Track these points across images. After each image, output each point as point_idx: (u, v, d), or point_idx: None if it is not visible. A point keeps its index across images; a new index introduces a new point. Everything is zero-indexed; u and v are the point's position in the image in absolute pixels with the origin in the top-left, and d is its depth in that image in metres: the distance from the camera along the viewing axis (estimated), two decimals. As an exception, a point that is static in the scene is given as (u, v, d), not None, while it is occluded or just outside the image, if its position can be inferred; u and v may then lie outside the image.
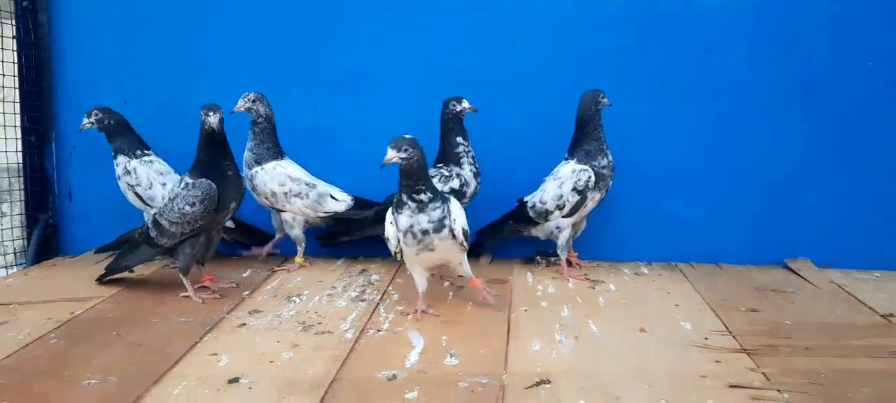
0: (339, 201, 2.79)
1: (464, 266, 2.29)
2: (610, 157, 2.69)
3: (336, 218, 2.83)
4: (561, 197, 2.67)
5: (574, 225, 2.75)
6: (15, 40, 2.99)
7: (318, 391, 1.72)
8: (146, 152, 2.80)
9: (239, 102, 2.72)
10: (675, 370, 1.85)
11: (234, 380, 1.77)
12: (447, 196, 2.20)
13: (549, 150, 2.83)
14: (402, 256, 2.23)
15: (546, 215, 2.72)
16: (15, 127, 3.00)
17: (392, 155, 2.08)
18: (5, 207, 3.03)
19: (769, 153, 2.88)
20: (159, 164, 2.80)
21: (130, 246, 2.50)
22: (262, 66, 3.03)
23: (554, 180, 2.71)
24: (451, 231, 2.14)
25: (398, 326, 2.17)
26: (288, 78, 3.03)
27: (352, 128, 3.01)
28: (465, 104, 2.73)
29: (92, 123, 2.74)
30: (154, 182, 2.75)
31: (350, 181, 2.87)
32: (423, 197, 2.12)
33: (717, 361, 1.90)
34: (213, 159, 2.34)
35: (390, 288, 2.56)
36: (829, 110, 2.85)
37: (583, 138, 2.69)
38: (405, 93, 2.99)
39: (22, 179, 3.05)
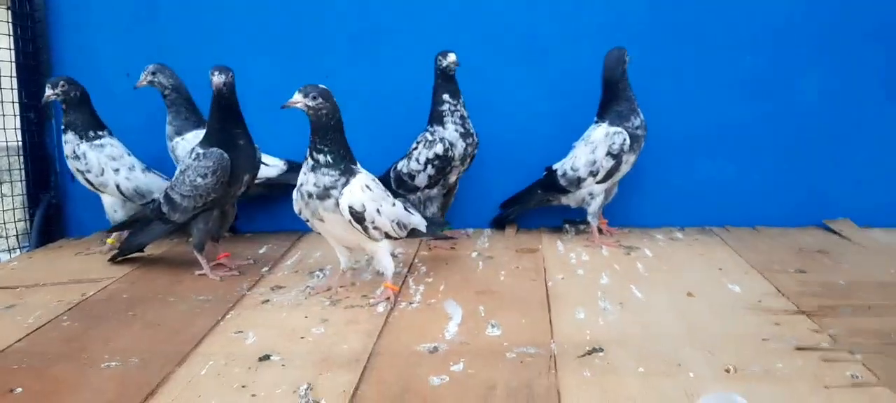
0: (270, 166, 2.64)
1: (377, 256, 2.07)
2: (642, 117, 2.55)
3: (270, 185, 2.69)
4: (594, 162, 2.55)
5: (606, 191, 2.63)
6: (10, 11, 2.83)
7: (357, 365, 1.60)
8: (99, 134, 2.60)
9: (140, 77, 2.60)
10: (734, 334, 1.74)
11: (265, 358, 1.65)
12: (356, 170, 1.99)
13: (576, 113, 2.70)
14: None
15: (578, 182, 2.59)
16: (13, 103, 2.85)
17: (298, 99, 1.91)
18: (6, 188, 2.88)
19: (804, 109, 2.76)
20: (112, 148, 2.60)
21: (142, 224, 2.37)
22: (270, 32, 2.89)
23: (586, 145, 2.58)
24: (337, 204, 1.95)
25: (431, 298, 2.05)
26: (298, 43, 2.88)
27: (363, 93, 2.86)
28: (451, 58, 2.49)
29: (57, 95, 2.51)
30: (105, 168, 2.56)
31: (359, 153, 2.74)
32: (320, 156, 1.95)
33: (777, 324, 1.78)
34: (224, 128, 2.19)
35: (416, 260, 2.44)
36: (867, 62, 2.72)
37: (612, 99, 2.56)
38: (421, 56, 2.83)
39: (22, 158, 2.90)
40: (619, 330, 1.77)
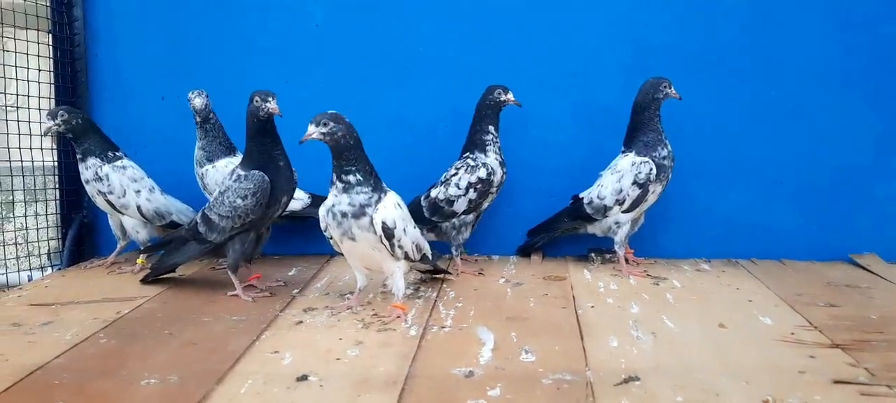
0: (295, 199, 2.60)
1: (394, 277, 2.12)
2: (669, 147, 2.58)
3: (293, 217, 2.71)
4: (620, 191, 2.57)
5: (633, 221, 2.64)
6: (51, 35, 2.90)
7: (394, 388, 1.62)
8: (117, 155, 2.64)
9: (192, 98, 2.62)
10: (770, 365, 1.74)
11: (303, 378, 1.67)
12: (386, 189, 2.08)
13: (602, 142, 2.74)
14: (338, 247, 2.13)
15: (604, 211, 2.61)
16: (50, 124, 2.91)
17: (312, 130, 2.00)
18: (40, 207, 2.93)
19: (830, 142, 2.78)
20: (133, 170, 2.65)
21: (177, 244, 2.40)
22: (303, 57, 2.95)
23: (612, 174, 2.61)
24: (372, 222, 2.02)
25: (462, 323, 2.06)
26: (327, 72, 2.93)
27: (394, 121, 2.91)
28: (510, 96, 2.61)
29: (58, 125, 2.53)
30: (127, 189, 2.60)
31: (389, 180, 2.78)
32: (350, 177, 2.02)
33: (811, 356, 1.78)
34: (265, 149, 2.23)
35: (444, 285, 2.45)
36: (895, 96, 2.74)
37: (639, 128, 2.58)
38: (452, 87, 2.89)
39: (56, 178, 2.95)
40: (654, 360, 1.78)
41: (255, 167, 2.21)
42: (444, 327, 2.03)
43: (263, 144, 2.22)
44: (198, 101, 2.63)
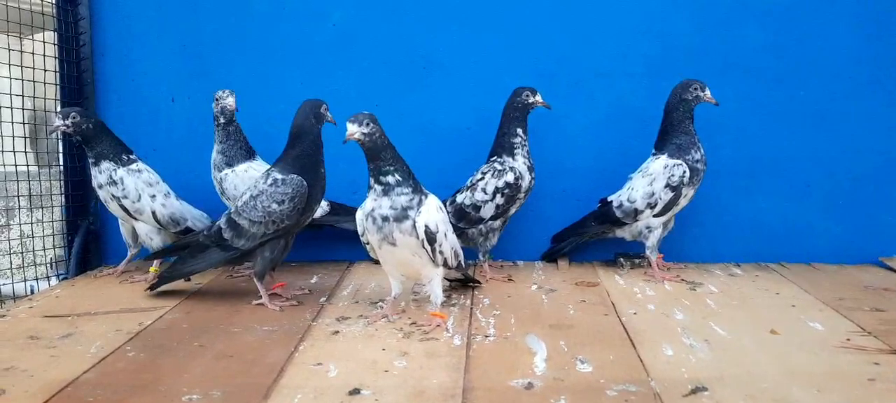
0: None
1: (432, 284, 2.04)
2: (702, 151, 2.53)
3: (310, 225, 2.59)
4: (652, 194, 2.51)
5: (664, 225, 2.59)
6: (56, 34, 2.78)
7: (454, 401, 1.53)
8: (131, 158, 2.53)
9: (223, 100, 2.52)
10: (836, 373, 1.68)
11: (355, 392, 1.58)
12: (426, 191, 2.01)
13: (630, 145, 2.70)
14: (375, 253, 2.07)
15: (635, 214, 2.55)
16: (56, 126, 2.78)
17: (354, 130, 1.93)
18: (46, 213, 2.79)
19: (860, 145, 2.76)
20: (148, 174, 2.54)
21: (194, 250, 2.28)
22: (319, 59, 2.86)
23: (643, 177, 2.55)
24: (414, 225, 1.94)
25: (506, 332, 1.98)
26: (343, 75, 2.85)
27: (415, 124, 2.83)
28: (539, 98, 2.55)
29: (67, 127, 2.41)
30: (142, 193, 2.50)
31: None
32: (389, 178, 1.95)
33: (876, 363, 1.73)
34: (313, 155, 2.13)
35: (477, 292, 2.38)
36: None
37: (671, 130, 2.54)
38: (475, 88, 2.82)
39: (62, 183, 2.82)
40: (716, 368, 1.71)
41: (298, 171, 2.11)
42: (487, 336, 1.95)
43: (314, 147, 2.13)
44: (230, 101, 2.52)
